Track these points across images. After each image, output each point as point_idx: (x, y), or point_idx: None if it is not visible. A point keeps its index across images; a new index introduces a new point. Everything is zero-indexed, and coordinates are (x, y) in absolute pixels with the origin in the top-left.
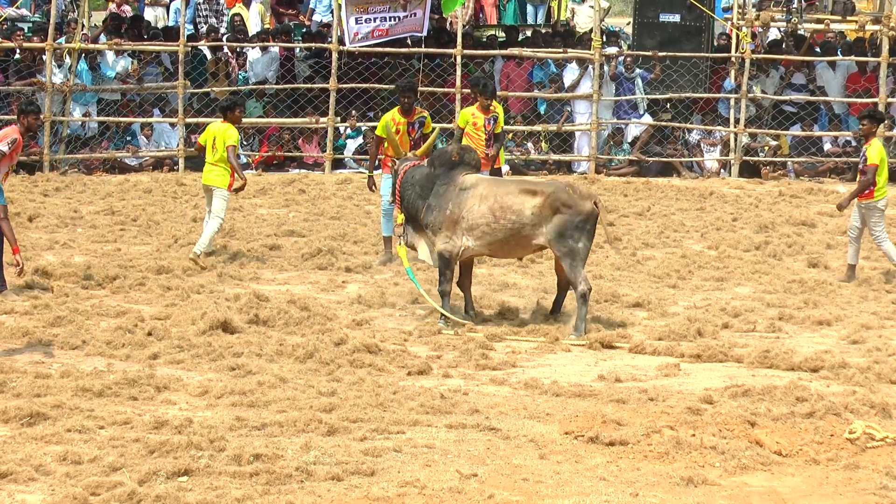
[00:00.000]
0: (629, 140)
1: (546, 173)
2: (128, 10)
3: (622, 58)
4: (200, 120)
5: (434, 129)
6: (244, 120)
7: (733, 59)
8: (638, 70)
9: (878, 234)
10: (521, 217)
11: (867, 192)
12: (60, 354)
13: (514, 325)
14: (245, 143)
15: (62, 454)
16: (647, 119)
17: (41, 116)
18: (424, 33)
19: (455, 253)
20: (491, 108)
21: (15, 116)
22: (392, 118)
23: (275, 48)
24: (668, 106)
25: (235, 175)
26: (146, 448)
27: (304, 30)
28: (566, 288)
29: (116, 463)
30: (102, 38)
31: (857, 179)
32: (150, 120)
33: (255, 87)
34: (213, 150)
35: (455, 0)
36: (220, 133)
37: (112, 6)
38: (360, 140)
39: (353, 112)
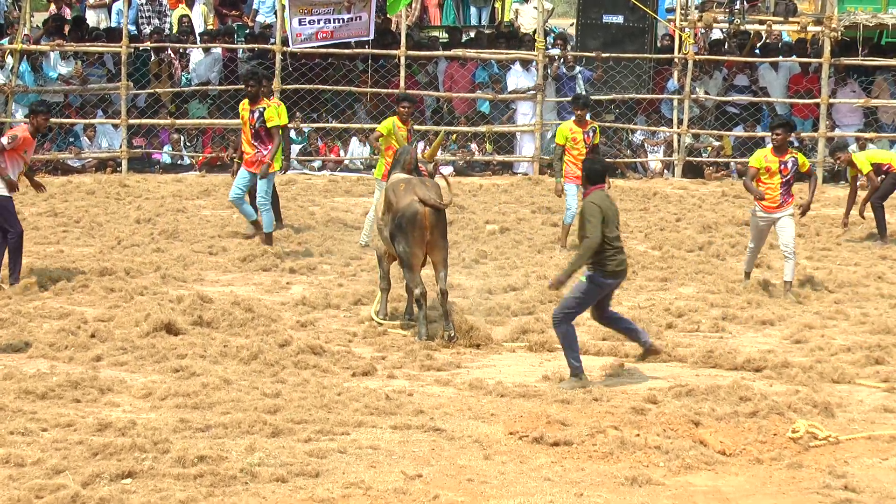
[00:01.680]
0: None
1: (490, 174)
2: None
3: (562, 59)
4: (143, 121)
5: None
6: (188, 121)
7: (676, 60)
8: (578, 68)
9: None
10: (381, 218)
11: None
12: (2, 357)
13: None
14: (188, 143)
15: (5, 457)
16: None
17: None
18: (371, 37)
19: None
20: (587, 120)
21: None
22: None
23: (218, 49)
24: (612, 107)
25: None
26: (90, 450)
27: (247, 31)
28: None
29: (60, 465)
30: (44, 39)
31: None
32: (92, 121)
33: (198, 87)
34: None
35: (400, 0)
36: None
37: (53, 7)
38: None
39: (298, 114)
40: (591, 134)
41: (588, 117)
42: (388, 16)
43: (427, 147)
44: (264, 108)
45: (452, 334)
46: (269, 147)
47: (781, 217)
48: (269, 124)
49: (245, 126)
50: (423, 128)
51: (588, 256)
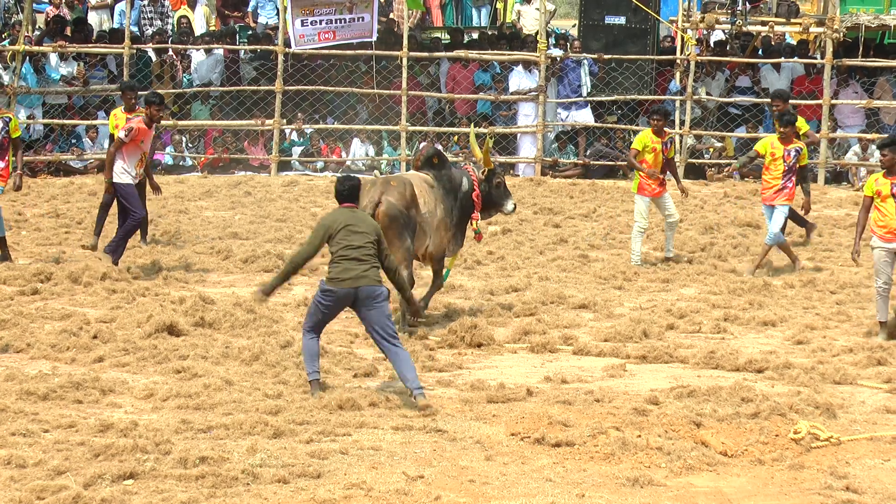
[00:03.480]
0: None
1: None
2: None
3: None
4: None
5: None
6: (190, 122)
7: (678, 61)
8: (584, 56)
9: None
10: None
11: None
12: (4, 358)
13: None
14: (190, 145)
15: (6, 458)
16: (589, 114)
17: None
18: (374, 38)
19: None
20: (665, 130)
21: None
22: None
23: (219, 50)
24: (614, 108)
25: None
26: (91, 451)
27: (249, 32)
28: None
29: (61, 466)
30: (46, 40)
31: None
32: (95, 122)
33: (199, 89)
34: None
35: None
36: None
37: (49, 9)
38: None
39: (300, 114)
40: (668, 145)
41: (666, 129)
42: (410, 9)
43: (459, 150)
44: (9, 119)
45: (407, 330)
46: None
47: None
48: (14, 135)
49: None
50: (462, 130)
51: (291, 268)
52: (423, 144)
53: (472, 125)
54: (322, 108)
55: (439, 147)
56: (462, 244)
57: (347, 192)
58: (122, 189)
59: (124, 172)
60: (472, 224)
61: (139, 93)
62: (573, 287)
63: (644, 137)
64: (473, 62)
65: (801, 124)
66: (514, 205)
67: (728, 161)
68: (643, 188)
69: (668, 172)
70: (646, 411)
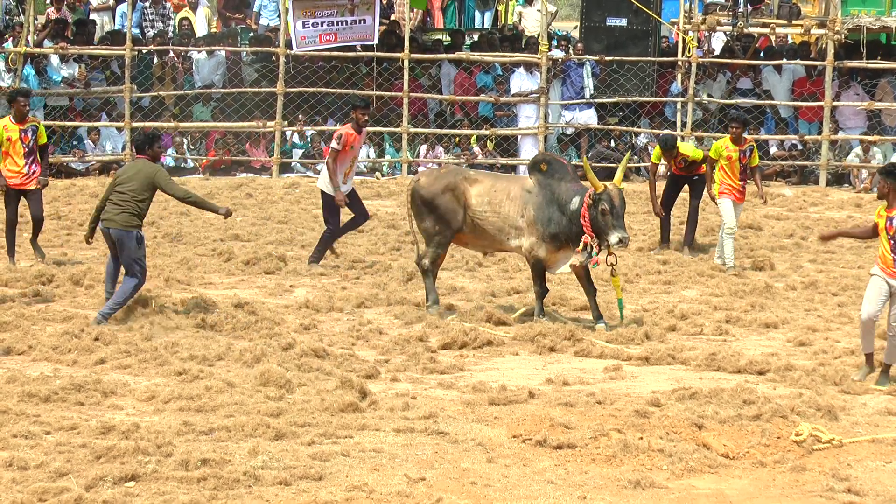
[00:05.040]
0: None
1: None
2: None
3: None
4: (147, 124)
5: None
6: (192, 123)
7: (680, 63)
8: (586, 57)
9: None
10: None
11: None
12: (6, 359)
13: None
14: (192, 146)
15: (8, 460)
16: (593, 115)
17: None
18: (376, 41)
19: None
20: (745, 137)
21: None
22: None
23: (221, 52)
24: (616, 109)
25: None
26: (93, 453)
27: (250, 34)
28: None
29: (63, 468)
30: (47, 42)
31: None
32: (96, 124)
33: (201, 90)
34: None
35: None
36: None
37: (51, 11)
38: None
39: (301, 116)
40: (747, 153)
41: (745, 136)
42: (414, 8)
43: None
44: (36, 126)
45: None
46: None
47: None
48: (41, 141)
49: (14, 146)
50: (463, 132)
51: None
52: (537, 152)
53: (627, 155)
54: (323, 110)
55: (556, 156)
56: (584, 260)
57: (139, 144)
58: (324, 198)
59: (330, 182)
60: (585, 246)
61: (138, 94)
62: (575, 289)
63: (720, 146)
64: (475, 65)
65: (695, 153)
66: (621, 239)
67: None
68: (724, 191)
69: (747, 180)
70: (647, 413)
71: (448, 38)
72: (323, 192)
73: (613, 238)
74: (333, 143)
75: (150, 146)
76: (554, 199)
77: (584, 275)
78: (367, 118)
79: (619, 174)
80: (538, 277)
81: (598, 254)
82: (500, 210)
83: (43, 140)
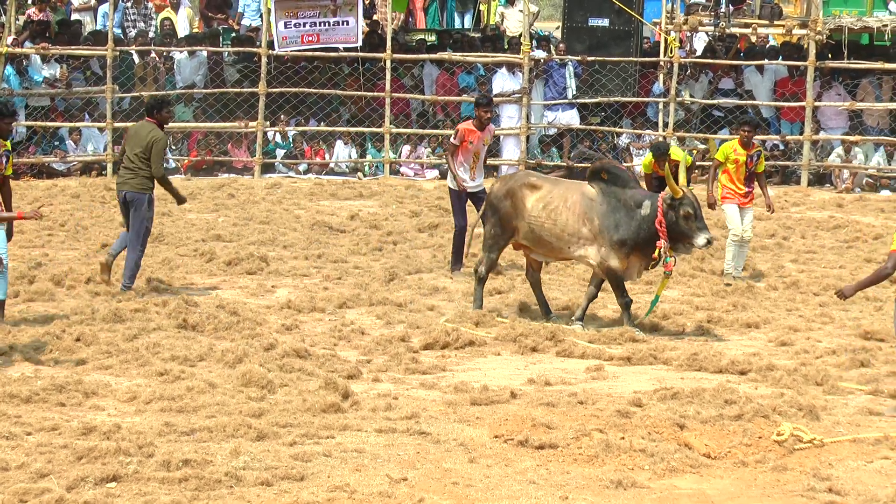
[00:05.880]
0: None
1: None
2: (48, 16)
3: (552, 61)
4: (129, 124)
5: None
6: (173, 124)
7: (662, 63)
8: (568, 57)
9: None
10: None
11: None
12: None
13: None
14: (174, 147)
15: None
16: (575, 116)
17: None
18: (359, 43)
19: None
20: (754, 142)
21: None
22: (734, 149)
23: (203, 52)
24: (598, 110)
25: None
26: (74, 454)
27: (232, 34)
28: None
29: (44, 469)
30: (27, 42)
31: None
32: (78, 125)
33: (183, 91)
34: None
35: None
36: None
37: (31, 11)
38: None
39: (283, 116)
40: (755, 158)
41: (754, 141)
42: (374, 19)
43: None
44: (9, 153)
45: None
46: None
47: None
48: (7, 172)
49: None
50: (442, 132)
51: None
52: (598, 160)
53: (684, 157)
54: (305, 111)
55: (615, 164)
56: (646, 268)
57: (148, 107)
58: (450, 195)
59: (452, 178)
60: (659, 252)
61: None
62: (557, 289)
63: (727, 148)
64: (458, 66)
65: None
66: (708, 240)
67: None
68: (727, 196)
69: (754, 186)
70: (629, 413)
71: (433, 39)
72: (449, 190)
73: (701, 240)
74: (451, 139)
75: (159, 110)
76: (620, 205)
77: (604, 278)
78: (489, 115)
79: (682, 177)
80: (617, 287)
81: (670, 259)
82: (556, 217)
83: (9, 171)
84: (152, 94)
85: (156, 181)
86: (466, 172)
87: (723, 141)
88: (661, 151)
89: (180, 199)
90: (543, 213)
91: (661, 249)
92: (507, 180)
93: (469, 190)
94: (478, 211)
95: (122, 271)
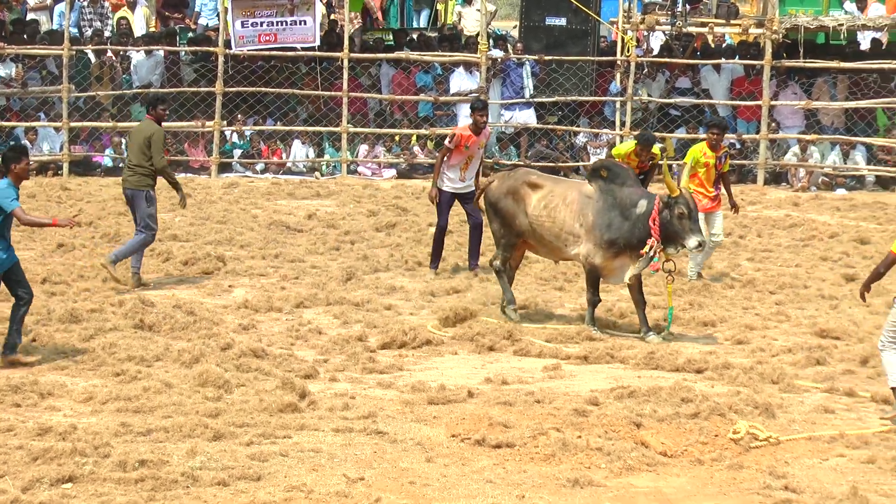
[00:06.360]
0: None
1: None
2: (4, 15)
3: (509, 60)
4: (85, 124)
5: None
6: (130, 123)
7: (619, 62)
8: (526, 56)
9: None
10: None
11: None
12: None
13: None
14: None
15: None
16: (532, 115)
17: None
18: (317, 43)
19: None
20: (722, 145)
21: None
22: (702, 151)
23: (160, 52)
24: (555, 109)
25: None
26: (29, 455)
27: (189, 33)
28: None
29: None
30: None
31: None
32: (34, 124)
33: (139, 90)
34: None
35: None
36: None
37: None
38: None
39: (240, 116)
40: (722, 160)
41: (721, 144)
42: (331, 17)
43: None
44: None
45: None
46: None
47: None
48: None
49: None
50: (403, 132)
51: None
52: (596, 158)
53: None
54: (263, 110)
55: (616, 162)
56: (644, 267)
57: (147, 104)
58: (440, 194)
59: (448, 180)
60: (647, 250)
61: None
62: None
63: (696, 151)
64: (415, 65)
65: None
66: (700, 243)
67: (669, 162)
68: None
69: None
70: (586, 412)
71: (390, 38)
72: (439, 190)
73: (692, 242)
74: (447, 141)
75: (155, 106)
76: (616, 203)
77: (636, 286)
78: (485, 119)
79: (685, 178)
80: (591, 285)
81: (658, 260)
82: (555, 216)
83: None
84: (149, 91)
85: (157, 176)
86: (455, 173)
87: (688, 142)
88: (648, 141)
89: (181, 195)
90: (544, 212)
91: (653, 248)
92: (506, 178)
93: (457, 191)
94: (466, 210)
95: (130, 270)
